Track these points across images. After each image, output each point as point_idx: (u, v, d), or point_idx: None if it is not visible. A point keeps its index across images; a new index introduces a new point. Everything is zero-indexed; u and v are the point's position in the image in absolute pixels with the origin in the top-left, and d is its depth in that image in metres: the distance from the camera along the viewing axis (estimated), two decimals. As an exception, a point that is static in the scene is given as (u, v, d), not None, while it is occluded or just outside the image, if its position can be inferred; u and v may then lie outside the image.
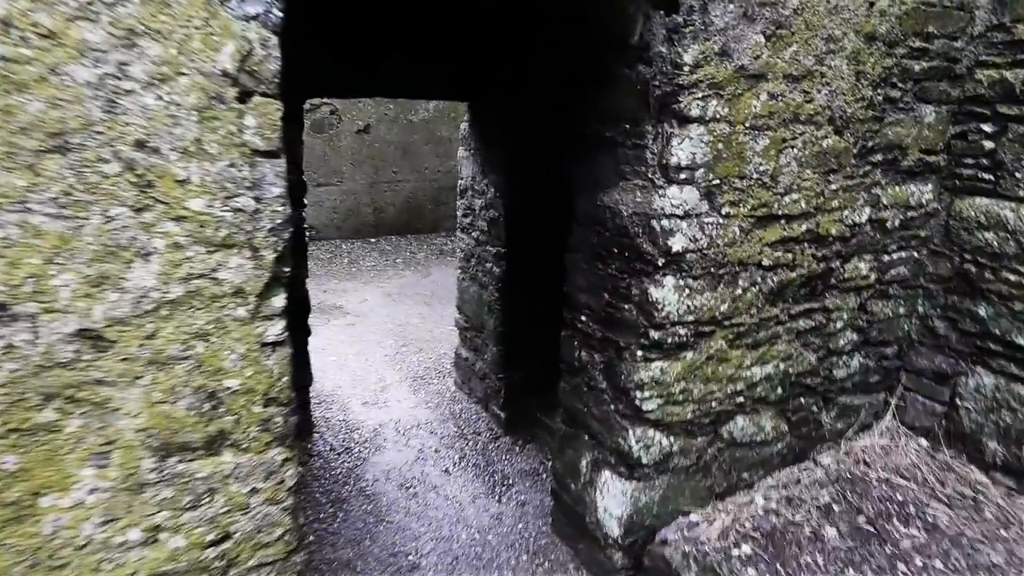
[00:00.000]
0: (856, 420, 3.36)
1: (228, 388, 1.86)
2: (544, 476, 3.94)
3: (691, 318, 2.60)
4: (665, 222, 2.44)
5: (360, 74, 3.58)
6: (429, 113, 9.56)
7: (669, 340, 2.59)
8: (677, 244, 2.46)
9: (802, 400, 3.12)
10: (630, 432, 2.73)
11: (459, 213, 4.71)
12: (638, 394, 2.66)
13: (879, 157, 2.87)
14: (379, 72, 3.61)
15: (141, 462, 1.81)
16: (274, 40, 1.68)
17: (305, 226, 8.27)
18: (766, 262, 2.70)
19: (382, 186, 9.56)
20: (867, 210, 2.92)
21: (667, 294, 2.52)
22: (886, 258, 3.10)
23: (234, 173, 1.70)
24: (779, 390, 2.99)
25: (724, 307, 2.67)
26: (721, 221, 2.53)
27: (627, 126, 2.55)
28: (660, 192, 2.43)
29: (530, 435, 4.31)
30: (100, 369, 1.70)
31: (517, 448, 4.23)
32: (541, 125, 3.84)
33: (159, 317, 1.73)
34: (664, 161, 2.39)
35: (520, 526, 3.53)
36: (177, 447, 1.84)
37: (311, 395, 4.46)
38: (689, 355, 2.67)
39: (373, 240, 9.51)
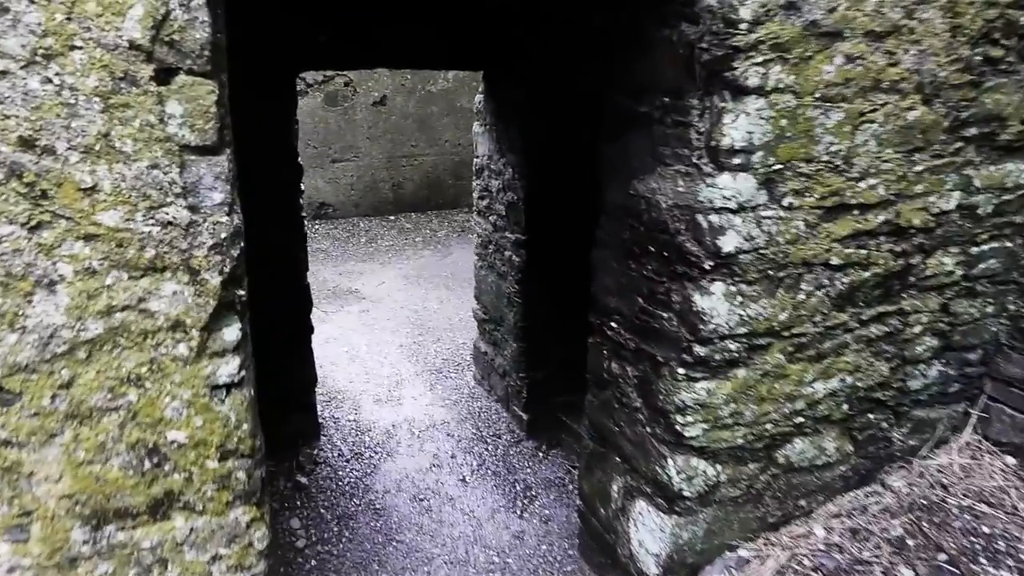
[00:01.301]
0: (932, 436, 2.90)
1: (173, 442, 1.50)
2: (570, 487, 3.58)
3: (744, 330, 2.17)
4: (714, 217, 2.00)
5: (357, 42, 3.16)
6: (448, 83, 9.07)
7: (717, 357, 2.17)
8: (729, 244, 2.02)
9: (871, 416, 2.68)
10: (670, 461, 2.33)
11: (475, 195, 4.29)
12: (679, 418, 2.26)
13: (973, 131, 2.37)
14: (379, 39, 3.19)
15: (70, 533, 1.46)
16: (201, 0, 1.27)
17: (320, 210, 7.89)
18: (835, 261, 2.24)
19: (400, 160, 9.15)
20: (956, 195, 2.43)
21: (716, 303, 2.09)
22: (974, 250, 2.61)
23: (158, 177, 1.31)
24: (845, 406, 2.56)
25: (784, 316, 2.23)
26: (782, 214, 2.08)
27: (666, 99, 2.10)
28: (708, 181, 1.98)
29: (554, 439, 3.94)
30: (4, 428, 1.35)
31: (540, 454, 3.87)
32: (564, 98, 3.38)
33: (75, 361, 1.36)
34: (713, 143, 1.94)
35: (544, 547, 3.18)
36: (114, 513, 1.49)
37: (319, 393, 4.14)
38: (741, 373, 2.25)
39: (392, 217, 9.14)
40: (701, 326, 2.12)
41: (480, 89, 4.00)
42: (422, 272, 7.26)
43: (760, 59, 1.85)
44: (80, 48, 1.18)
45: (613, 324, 2.52)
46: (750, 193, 2.00)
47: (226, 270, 1.42)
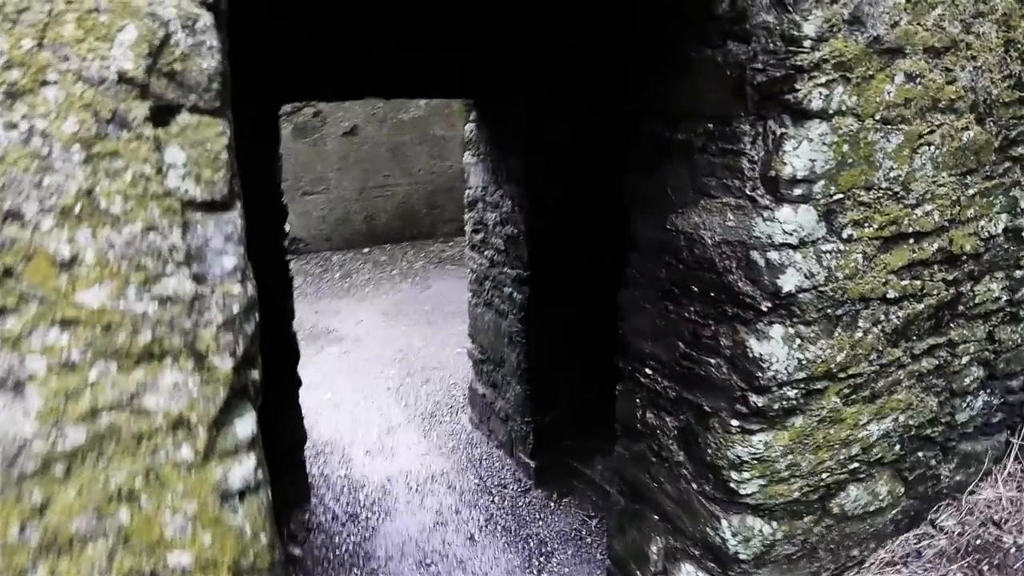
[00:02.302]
0: (978, 470, 2.74)
1: (175, 567, 1.20)
2: (589, 540, 3.32)
3: (802, 375, 1.97)
4: (773, 254, 1.80)
5: (344, 70, 2.92)
6: (421, 111, 8.86)
7: (775, 407, 1.96)
8: (789, 283, 1.82)
9: (920, 454, 2.49)
10: (723, 521, 2.10)
11: (468, 228, 4.06)
12: (733, 475, 2.03)
13: (1020, 150, 2.23)
14: (372, 68, 2.95)
15: None
16: (208, 19, 1.02)
17: (290, 245, 7.62)
18: (891, 294, 2.06)
19: (373, 191, 8.87)
20: (1003, 217, 2.29)
21: (774, 348, 1.88)
22: (1018, 273, 2.47)
23: (155, 242, 1.04)
24: (897, 447, 2.37)
25: (841, 356, 2.03)
26: (842, 248, 1.89)
27: (709, 126, 1.90)
28: (765, 214, 1.79)
29: (565, 488, 3.68)
30: (-44, 568, 1.04)
31: (552, 504, 3.60)
32: (571, 126, 3.18)
33: (50, 480, 1.07)
34: (772, 172, 1.75)
35: (568, 613, 2.90)
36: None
37: (305, 447, 3.80)
38: (798, 421, 2.04)
39: (366, 250, 8.82)
40: (759, 373, 1.91)
41: (471, 118, 3.79)
42: (401, 307, 6.96)
43: (823, 79, 1.67)
44: (54, 83, 0.92)
45: (648, 370, 2.30)
46: (811, 226, 1.81)
47: (239, 351, 1.15)
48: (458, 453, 4.12)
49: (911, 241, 2.05)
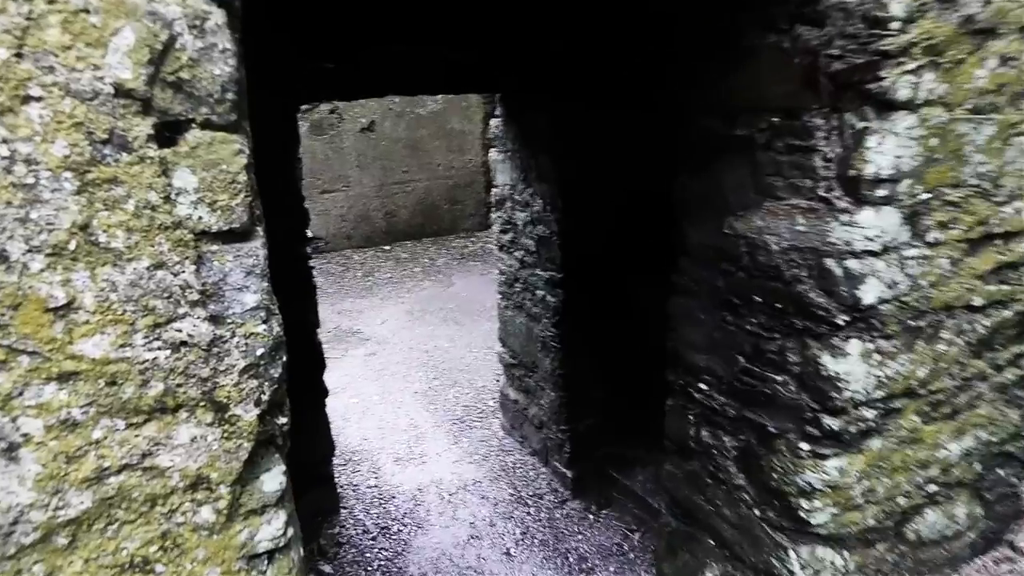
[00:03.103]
0: (1059, 485, 2.52)
1: (196, 642, 1.05)
2: (632, 556, 3.15)
3: (881, 394, 1.78)
4: (852, 263, 1.61)
5: (370, 68, 2.76)
6: (438, 104, 8.69)
7: (852, 429, 1.77)
8: (869, 294, 1.63)
9: (1000, 472, 2.29)
10: (792, 553, 1.92)
11: (496, 228, 3.89)
12: (803, 503, 1.85)
13: (1117, 136, 2.01)
14: (393, 64, 2.79)
15: None
16: (219, 18, 0.86)
17: (311, 248, 7.53)
18: (977, 301, 1.86)
19: (392, 188, 8.73)
20: (1094, 211, 2.07)
21: (852, 366, 1.70)
22: (1106, 272, 2.25)
23: (164, 280, 0.89)
24: (976, 466, 2.17)
25: (922, 372, 1.84)
26: (927, 253, 1.69)
27: (774, 120, 1.71)
28: (843, 218, 1.59)
29: (604, 499, 3.51)
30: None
31: (591, 516, 3.44)
32: (609, 120, 2.99)
33: (52, 551, 0.93)
34: (852, 171, 1.56)
35: (614, 636, 2.74)
36: None
37: (335, 455, 3.68)
38: (876, 443, 1.85)
39: (387, 248, 8.70)
40: (834, 394, 1.72)
41: (497, 113, 3.61)
42: (426, 306, 6.82)
43: (912, 65, 1.47)
44: (38, 99, 0.76)
45: (703, 386, 2.12)
46: (895, 231, 1.61)
47: (264, 398, 1.00)
48: (490, 461, 3.97)
49: (999, 242, 1.85)
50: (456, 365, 5.36)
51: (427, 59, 2.88)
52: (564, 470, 3.58)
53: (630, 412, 3.55)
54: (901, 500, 2.00)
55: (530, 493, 3.65)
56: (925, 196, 1.62)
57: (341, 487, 3.71)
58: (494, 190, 3.83)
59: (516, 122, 3.43)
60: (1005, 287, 1.91)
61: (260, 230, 0.97)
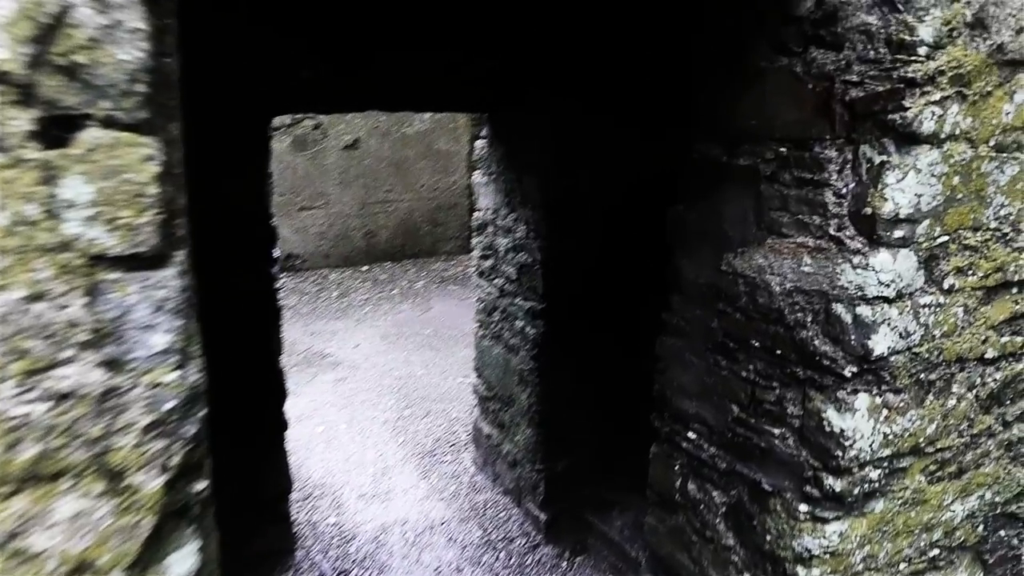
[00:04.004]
0: (1062, 549, 2.38)
1: None
2: (606, 609, 2.94)
3: (888, 452, 1.62)
4: (864, 309, 1.46)
5: (348, 81, 2.60)
6: (425, 124, 8.56)
7: (856, 491, 1.61)
8: (881, 345, 1.48)
9: (1003, 534, 2.14)
10: (784, 626, 1.74)
11: (476, 253, 3.72)
12: (800, 570, 1.68)
13: None
14: (374, 78, 2.63)
15: None
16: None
17: (286, 262, 7.25)
18: (990, 353, 1.72)
19: (374, 207, 8.54)
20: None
21: (858, 422, 1.54)
22: (1118, 326, 2.13)
23: (45, 315, 0.70)
24: (980, 528, 2.02)
25: (931, 428, 1.69)
26: (942, 301, 1.55)
27: (782, 150, 1.57)
28: (855, 260, 1.45)
29: (579, 544, 3.31)
30: None
31: (564, 564, 3.23)
32: (600, 145, 2.86)
33: None
34: (867, 209, 1.42)
35: None
36: None
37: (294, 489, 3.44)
38: (879, 506, 1.69)
39: (365, 268, 8.48)
40: (838, 452, 1.56)
41: (483, 134, 3.47)
42: (402, 329, 6.60)
43: (937, 96, 1.34)
44: None
45: (691, 434, 1.95)
46: (910, 276, 1.47)
47: (173, 461, 0.81)
48: (460, 500, 3.76)
49: (1014, 291, 1.72)
50: (429, 394, 5.15)
51: (410, 74, 2.72)
52: (538, 512, 3.38)
53: (611, 452, 3.38)
54: (903, 566, 1.84)
55: (500, 536, 3.44)
56: (943, 239, 1.49)
57: (299, 525, 3.47)
58: (476, 214, 3.67)
59: (502, 143, 3.29)
60: (1018, 338, 1.78)
61: (179, 255, 0.79)
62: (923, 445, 1.70)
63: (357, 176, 8.29)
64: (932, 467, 1.78)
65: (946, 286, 1.55)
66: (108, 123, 0.70)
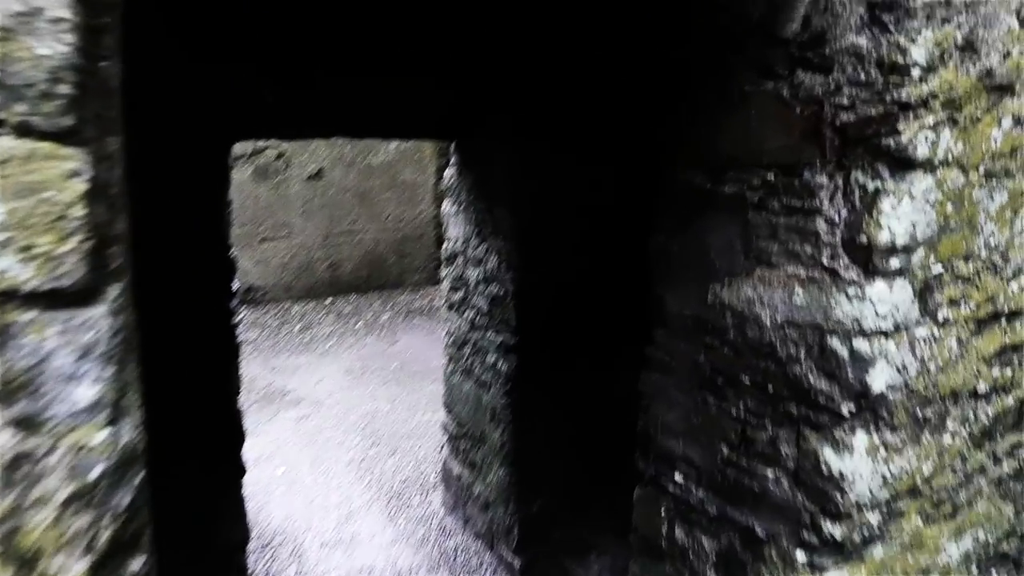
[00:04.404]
0: (1050, 586, 2.33)
1: None
2: (585, 660, 2.79)
3: (887, 495, 1.54)
4: (861, 343, 1.39)
5: (311, 107, 2.50)
6: (390, 155, 8.48)
7: (856, 536, 1.52)
8: (879, 380, 1.41)
9: (994, 572, 2.08)
10: None
11: (446, 285, 3.61)
12: (798, 623, 1.58)
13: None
14: (337, 104, 2.54)
15: None
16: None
17: (247, 295, 7.03)
18: (982, 387, 1.67)
19: (338, 238, 8.38)
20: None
21: (858, 464, 1.46)
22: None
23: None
24: (973, 568, 1.95)
25: (928, 467, 1.62)
26: (936, 333, 1.50)
27: (769, 177, 1.52)
28: (851, 291, 1.38)
29: (556, 590, 3.16)
30: None
31: (541, 612, 3.08)
32: (575, 173, 2.80)
33: None
34: (862, 237, 1.35)
35: None
36: None
37: (252, 537, 3.23)
38: (877, 551, 1.60)
39: (329, 300, 8.28)
40: (837, 496, 1.48)
41: (452, 162, 3.38)
42: (367, 364, 6.41)
43: (931, 120, 1.29)
44: None
45: (678, 476, 1.85)
46: (906, 307, 1.41)
47: (102, 539, 0.68)
48: (428, 544, 3.57)
49: (1003, 321, 1.67)
50: (396, 431, 4.96)
51: (375, 100, 2.63)
52: (512, 558, 3.22)
53: (586, 490, 3.26)
54: (901, 614, 1.75)
55: (474, 583, 3.27)
56: (938, 269, 1.44)
57: None
58: (445, 244, 3.57)
59: (472, 172, 3.21)
60: (1007, 371, 1.74)
61: (113, 291, 0.67)
62: (920, 485, 1.63)
63: (321, 207, 8.14)
64: (928, 508, 1.70)
65: (940, 318, 1.49)
66: (23, 131, 0.58)
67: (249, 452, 4.41)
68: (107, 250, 0.67)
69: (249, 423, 4.92)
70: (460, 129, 2.91)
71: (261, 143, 7.59)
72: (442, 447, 4.29)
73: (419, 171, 8.75)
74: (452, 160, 3.40)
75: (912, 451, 1.57)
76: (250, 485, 4.10)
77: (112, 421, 0.67)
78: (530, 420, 3.10)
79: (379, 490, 4.12)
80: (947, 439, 1.65)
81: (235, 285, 2.68)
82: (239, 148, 7.49)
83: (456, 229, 3.43)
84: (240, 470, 2.79)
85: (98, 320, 0.64)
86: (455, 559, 3.44)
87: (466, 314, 3.41)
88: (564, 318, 3.02)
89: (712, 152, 1.65)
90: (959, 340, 1.56)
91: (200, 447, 2.51)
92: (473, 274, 3.29)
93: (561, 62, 2.63)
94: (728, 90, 1.59)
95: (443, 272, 3.62)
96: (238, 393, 2.75)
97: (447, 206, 3.51)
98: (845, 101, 1.34)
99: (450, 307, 3.58)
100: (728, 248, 1.63)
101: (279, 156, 7.76)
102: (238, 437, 2.76)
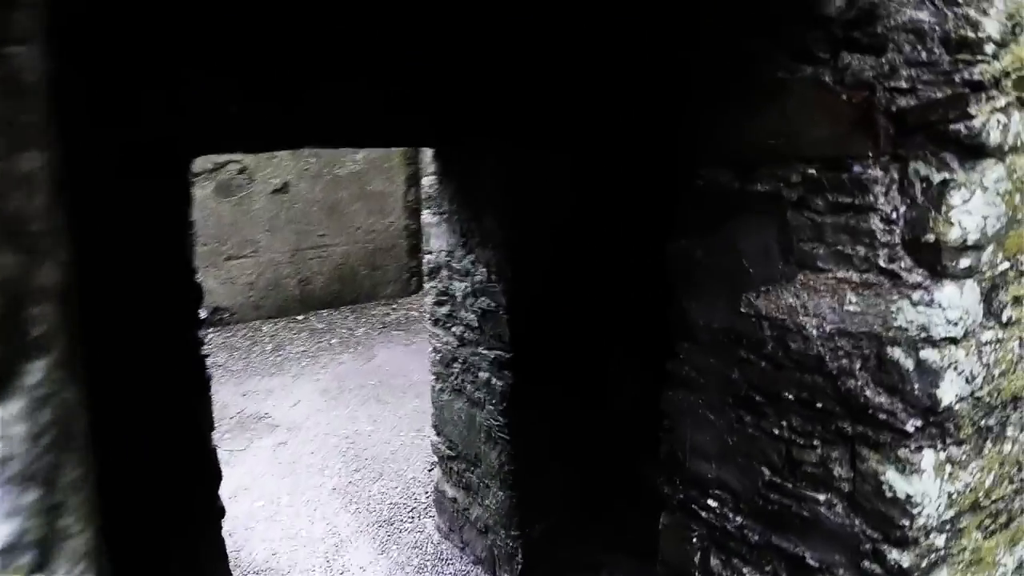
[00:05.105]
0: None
1: None
2: None
3: (952, 513, 1.40)
4: (929, 353, 1.24)
5: (280, 117, 2.28)
6: (358, 165, 8.23)
7: (923, 563, 1.37)
8: (949, 392, 1.26)
9: (1040, 581, 1.96)
10: None
11: (430, 299, 3.41)
12: (862, 662, 1.42)
13: None
14: (308, 112, 2.32)
15: None
16: None
17: (213, 316, 6.73)
18: (1038, 389, 1.54)
19: (307, 253, 8.09)
20: None
21: (926, 484, 1.31)
22: None
23: None
24: (1023, 580, 1.83)
25: (989, 480, 1.48)
26: (1001, 335, 1.36)
27: (811, 171, 1.36)
28: (915, 295, 1.24)
29: (565, 617, 2.98)
30: None
31: (551, 642, 2.89)
32: (575, 174, 2.63)
33: None
34: (927, 236, 1.21)
35: None
36: None
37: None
38: (943, 575, 1.46)
39: (300, 318, 7.99)
40: (903, 521, 1.33)
41: (431, 171, 3.19)
42: (344, 383, 6.15)
43: (1003, 102, 1.15)
44: None
45: (712, 502, 1.69)
46: (974, 311, 1.27)
47: None
48: (426, 573, 3.36)
49: (1056, 318, 1.55)
50: (381, 453, 4.73)
51: (348, 106, 2.43)
52: (516, 584, 3.03)
53: (592, 508, 3.09)
54: (962, 638, 1.61)
55: (476, 615, 3.07)
56: (1004, 266, 1.30)
57: (242, 622, 3.00)
58: (428, 256, 3.37)
59: (454, 179, 3.02)
60: (1062, 371, 1.61)
61: (34, 371, 0.47)
62: (981, 499, 1.50)
63: (287, 221, 7.84)
64: (987, 521, 1.57)
65: (1004, 319, 1.35)
66: None
67: (225, 485, 4.15)
68: (21, 314, 0.47)
69: (222, 454, 4.66)
70: (443, 135, 2.71)
71: (222, 158, 7.29)
72: (432, 468, 4.09)
73: (388, 181, 8.52)
74: (432, 168, 3.20)
75: (975, 464, 1.43)
76: (229, 521, 3.83)
77: (39, 567, 0.47)
78: (529, 438, 2.92)
79: (367, 518, 3.89)
80: (1008, 447, 1.51)
81: (201, 312, 2.45)
82: (199, 164, 7.18)
83: (439, 240, 3.24)
84: (218, 512, 2.55)
85: (7, 425, 0.44)
86: (455, 590, 3.24)
87: (454, 329, 3.22)
88: (560, 331, 2.85)
89: (740, 148, 1.50)
90: (1021, 341, 1.42)
91: (172, 494, 2.27)
92: (460, 287, 3.10)
93: (554, 58, 2.46)
94: (757, 79, 1.43)
95: (427, 286, 3.42)
96: (211, 430, 2.51)
97: (427, 216, 3.31)
98: (903, 84, 1.20)
99: (435, 322, 3.38)
100: (763, 252, 1.47)
101: (242, 171, 7.46)
102: (213, 478, 2.52)
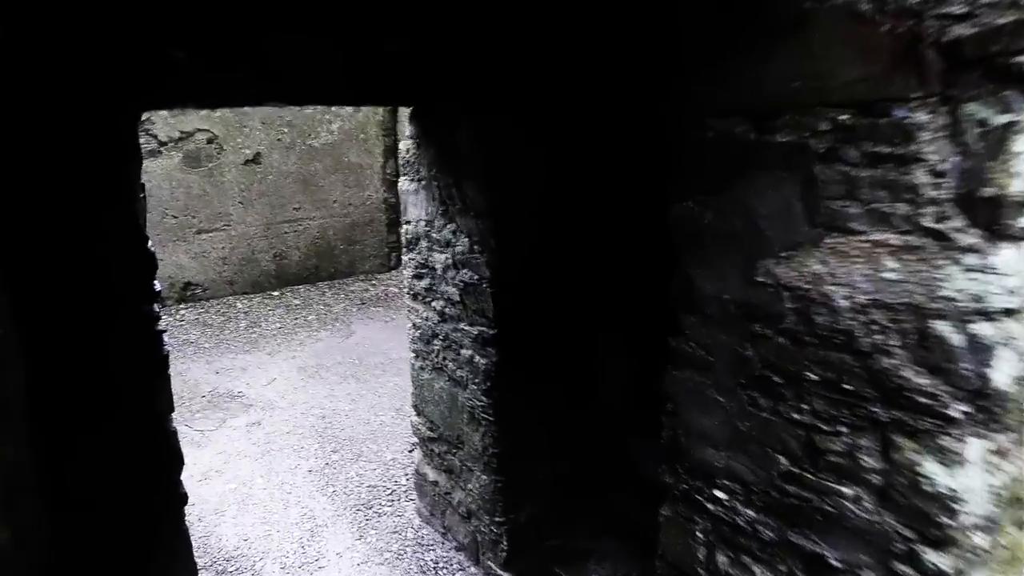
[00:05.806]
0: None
1: None
2: None
3: (996, 509, 1.25)
4: (982, 327, 1.07)
5: (237, 67, 2.04)
6: (333, 136, 7.92)
7: (962, 565, 1.22)
8: (1002, 372, 1.10)
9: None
10: None
11: (408, 272, 3.20)
12: (889, 672, 1.28)
13: None
14: (268, 63, 2.09)
15: None
16: None
17: (185, 291, 6.50)
18: (1082, 367, 1.39)
19: (282, 227, 7.81)
20: None
21: (971, 478, 1.15)
22: None
23: None
24: (1048, 570, 1.69)
25: (1029, 469, 1.33)
26: (1054, 306, 1.19)
27: (843, 118, 1.17)
28: (966, 258, 1.06)
29: (552, 605, 2.84)
30: None
31: (538, 632, 2.75)
32: (562, 133, 2.42)
33: None
34: (984, 189, 1.03)
35: None
36: None
37: (199, 564, 2.81)
38: (979, 576, 1.31)
39: (276, 293, 7.73)
40: (943, 518, 1.17)
41: (409, 133, 2.96)
42: (322, 360, 5.94)
43: (1079, 28, 0.96)
44: None
45: (720, 493, 1.52)
46: (1031, 277, 1.09)
47: None
48: (405, 560, 3.20)
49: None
50: (359, 433, 4.55)
51: (314, 58, 2.19)
52: (500, 572, 2.88)
53: (580, 493, 2.94)
54: (991, 639, 1.48)
55: (459, 603, 2.92)
56: (1062, 226, 1.12)
57: (210, 614, 2.83)
58: (405, 227, 3.15)
59: (433, 142, 2.79)
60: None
61: None
62: (1020, 493, 1.34)
63: (261, 194, 7.55)
64: (1021, 515, 1.42)
65: (1058, 288, 1.18)
66: None
67: (194, 467, 3.97)
68: None
69: (194, 434, 4.46)
70: (419, 92, 2.48)
71: (190, 126, 6.95)
72: (412, 450, 3.92)
73: (366, 153, 8.23)
74: (409, 132, 2.97)
75: (1016, 452, 1.28)
76: (198, 505, 3.66)
77: None
78: (514, 420, 2.75)
79: (344, 501, 3.72)
80: (1047, 432, 1.36)
81: (156, 285, 2.22)
82: (165, 133, 6.84)
83: (417, 209, 3.02)
84: (179, 499, 2.35)
85: None
86: (436, 574, 3.08)
87: (434, 304, 3.02)
88: (548, 307, 2.67)
89: (757, 94, 1.30)
90: (1073, 313, 1.26)
91: (123, 482, 2.08)
92: (440, 259, 2.90)
93: (527, 10, 2.23)
94: (777, 13, 1.23)
95: (405, 258, 3.21)
96: (170, 412, 2.30)
97: (405, 183, 3.09)
98: (957, 9, 1.01)
99: (414, 297, 3.18)
100: (784, 213, 1.29)
101: (211, 140, 7.13)
102: (173, 464, 2.31)
